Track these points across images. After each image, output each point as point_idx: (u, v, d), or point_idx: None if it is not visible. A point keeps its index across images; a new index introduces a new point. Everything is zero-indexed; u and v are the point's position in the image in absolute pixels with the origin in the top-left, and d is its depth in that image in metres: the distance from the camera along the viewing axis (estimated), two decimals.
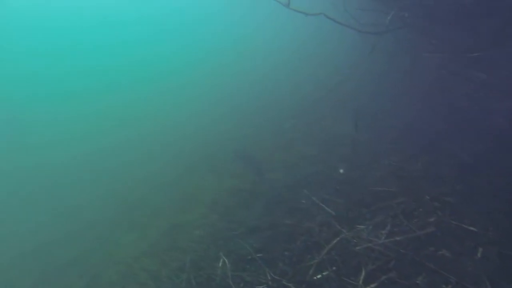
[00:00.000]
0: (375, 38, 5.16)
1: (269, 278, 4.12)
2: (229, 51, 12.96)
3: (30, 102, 12.54)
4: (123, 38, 20.80)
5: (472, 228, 3.40)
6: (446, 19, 4.61)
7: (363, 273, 3.55)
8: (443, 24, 4.73)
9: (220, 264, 4.75)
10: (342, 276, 3.70)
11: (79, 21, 22.96)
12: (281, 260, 4.47)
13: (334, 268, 3.84)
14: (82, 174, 7.99)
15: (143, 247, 5.87)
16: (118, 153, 8.42)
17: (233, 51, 12.85)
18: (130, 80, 12.92)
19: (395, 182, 4.90)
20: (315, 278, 3.85)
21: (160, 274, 5.08)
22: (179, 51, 15.67)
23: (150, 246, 5.87)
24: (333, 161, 6.76)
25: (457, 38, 4.74)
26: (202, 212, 6.31)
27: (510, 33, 4.54)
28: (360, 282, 3.50)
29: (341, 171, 6.40)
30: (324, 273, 3.86)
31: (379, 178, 5.33)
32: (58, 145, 9.04)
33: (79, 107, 11.52)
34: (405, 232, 3.68)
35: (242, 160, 7.69)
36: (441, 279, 3.18)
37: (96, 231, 6.57)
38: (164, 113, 10.22)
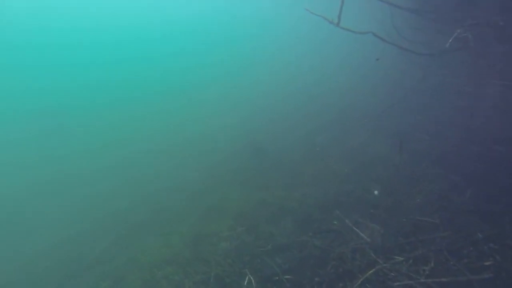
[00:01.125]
0: (429, 59, 4.86)
1: None
2: (273, 66, 12.86)
3: (71, 110, 12.97)
4: (171, 47, 21.29)
5: None
6: None
7: None
8: None
9: (246, 282, 4.59)
10: None
11: (124, 34, 23.93)
12: (311, 286, 4.24)
13: None
14: (113, 179, 8.10)
15: (167, 255, 5.80)
16: (148, 161, 8.47)
17: (277, 66, 12.73)
18: (166, 90, 13.07)
19: (438, 212, 4.55)
20: None
21: (183, 285, 4.98)
22: (222, 64, 15.69)
23: (174, 254, 5.79)
24: (367, 182, 6.46)
25: None
26: (228, 224, 6.18)
27: None
28: None
29: (376, 192, 6.10)
30: None
31: (419, 206, 4.99)
32: (93, 152, 9.27)
33: (114, 118, 11.73)
34: (453, 273, 3.35)
35: (270, 172, 7.53)
36: None
37: (121, 233, 6.59)
38: (195, 124, 10.24)
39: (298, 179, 7.16)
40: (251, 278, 4.61)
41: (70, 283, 5.85)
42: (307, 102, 9.97)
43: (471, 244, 3.65)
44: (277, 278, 4.58)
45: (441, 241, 3.89)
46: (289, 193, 6.73)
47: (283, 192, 6.80)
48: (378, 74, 9.29)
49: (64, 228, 6.91)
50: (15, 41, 20.47)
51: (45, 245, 6.63)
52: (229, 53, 17.12)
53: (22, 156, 9.94)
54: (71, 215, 7.18)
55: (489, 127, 5.37)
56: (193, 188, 7.41)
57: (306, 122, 9.58)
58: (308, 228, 5.52)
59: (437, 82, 6.19)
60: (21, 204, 7.94)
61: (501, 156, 5.02)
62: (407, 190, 5.63)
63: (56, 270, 6.05)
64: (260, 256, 5.15)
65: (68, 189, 8.03)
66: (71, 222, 7.04)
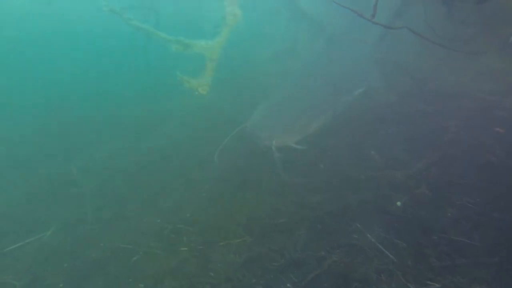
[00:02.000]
0: (477, 58, 4.33)
1: None
2: (298, 61, 12.07)
3: (79, 102, 12.34)
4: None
5: None
6: None
7: None
8: None
9: None
10: None
11: None
12: None
13: None
14: (116, 181, 7.68)
15: (172, 263, 5.38)
16: (156, 163, 8.01)
17: (302, 62, 11.94)
18: (168, 91, 12.32)
19: (476, 231, 4.06)
20: None
21: None
22: (245, 55, 14.73)
23: (179, 262, 5.37)
24: (388, 191, 5.98)
25: None
26: (237, 232, 5.72)
27: None
28: None
29: (399, 204, 5.62)
30: None
31: (452, 222, 4.49)
32: (100, 155, 8.79)
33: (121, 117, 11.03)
34: None
35: (281, 177, 7.03)
36: None
37: (125, 239, 6.14)
38: (206, 124, 9.68)
39: (310, 185, 6.65)
40: None
41: None
42: (321, 100, 9.34)
43: None
44: None
45: (486, 269, 3.42)
46: (303, 200, 6.25)
47: (295, 199, 6.32)
48: (407, 74, 8.62)
49: (66, 230, 6.49)
50: None
51: (46, 246, 6.19)
52: (249, 48, 16.03)
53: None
54: (72, 216, 6.76)
55: None
56: (201, 191, 6.92)
57: (318, 122, 8.99)
58: (325, 241, 5.06)
59: (478, 86, 5.62)
60: (20, 204, 7.54)
61: None
62: (435, 202, 5.13)
63: (58, 272, 5.62)
64: (272, 272, 4.71)
65: (68, 190, 7.63)
66: (72, 223, 6.62)
